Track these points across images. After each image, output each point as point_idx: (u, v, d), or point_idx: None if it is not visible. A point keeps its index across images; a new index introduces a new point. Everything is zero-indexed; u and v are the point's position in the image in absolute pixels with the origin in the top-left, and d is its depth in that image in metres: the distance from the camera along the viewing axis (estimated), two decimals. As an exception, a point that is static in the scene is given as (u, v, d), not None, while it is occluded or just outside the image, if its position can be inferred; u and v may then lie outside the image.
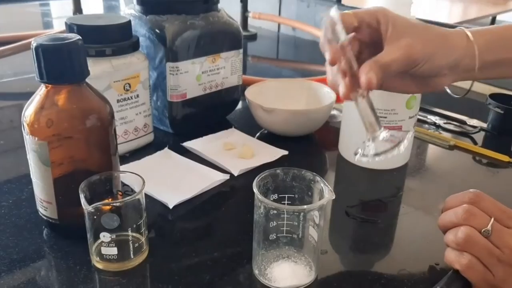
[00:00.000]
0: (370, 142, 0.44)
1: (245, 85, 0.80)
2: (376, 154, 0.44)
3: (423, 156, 0.74)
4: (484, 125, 0.80)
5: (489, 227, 0.41)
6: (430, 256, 0.48)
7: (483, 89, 0.98)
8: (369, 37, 0.47)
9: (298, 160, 0.67)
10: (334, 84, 0.46)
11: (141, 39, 0.66)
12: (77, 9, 1.29)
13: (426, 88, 0.49)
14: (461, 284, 0.42)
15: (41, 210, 0.49)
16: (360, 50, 0.48)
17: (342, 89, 0.44)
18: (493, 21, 2.19)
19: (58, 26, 1.45)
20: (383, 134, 0.44)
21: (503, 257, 0.40)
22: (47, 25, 1.56)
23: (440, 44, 0.46)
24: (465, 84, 1.02)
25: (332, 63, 0.44)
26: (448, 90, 0.60)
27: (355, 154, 0.45)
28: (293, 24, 1.41)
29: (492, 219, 0.41)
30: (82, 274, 0.45)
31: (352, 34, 0.47)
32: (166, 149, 0.68)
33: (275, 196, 0.45)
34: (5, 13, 1.60)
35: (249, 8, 1.40)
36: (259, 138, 0.73)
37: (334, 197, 0.42)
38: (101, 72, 0.59)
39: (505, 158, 0.69)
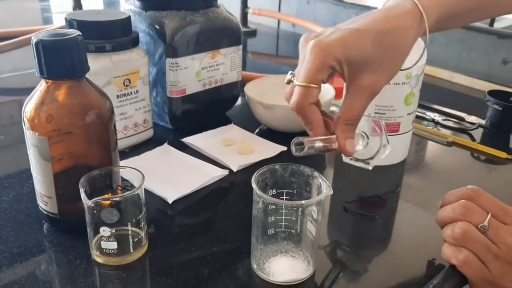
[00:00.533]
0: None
1: (244, 81, 0.80)
2: (368, 159, 0.47)
3: (422, 152, 0.74)
4: (483, 121, 0.80)
5: (486, 222, 0.41)
6: (428, 251, 0.49)
7: (482, 85, 0.99)
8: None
9: (297, 156, 0.67)
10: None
11: (140, 35, 0.66)
12: (77, 4, 1.29)
13: None
14: (457, 280, 0.42)
15: (41, 205, 0.49)
16: None
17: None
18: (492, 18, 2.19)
19: (58, 22, 1.45)
20: (360, 146, 0.47)
21: (499, 253, 0.40)
22: (47, 20, 1.56)
23: (399, 54, 0.44)
24: (445, 76, 1.02)
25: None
26: None
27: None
28: (293, 20, 1.41)
29: (489, 215, 0.41)
30: (82, 268, 0.45)
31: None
32: (165, 144, 0.68)
33: (274, 192, 0.46)
34: (5, 9, 1.60)
35: (249, 4, 1.40)
36: (258, 134, 0.74)
37: (332, 193, 0.42)
38: (101, 67, 0.60)
39: (503, 154, 0.70)
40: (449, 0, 0.46)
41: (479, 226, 0.41)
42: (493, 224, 0.41)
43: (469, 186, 0.44)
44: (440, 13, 0.46)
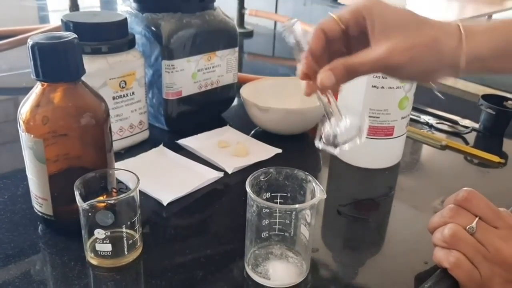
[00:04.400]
0: (331, 131, 0.45)
1: (240, 82, 0.80)
2: (340, 143, 0.45)
3: (416, 155, 0.74)
4: (476, 125, 0.81)
5: (473, 224, 0.42)
6: (420, 254, 0.49)
7: (476, 89, 0.99)
8: (358, 32, 0.43)
9: (292, 159, 0.68)
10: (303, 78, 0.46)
11: (137, 36, 0.67)
12: (73, 4, 1.29)
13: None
14: (448, 284, 0.43)
15: (36, 207, 0.49)
16: (348, 41, 0.45)
17: (303, 89, 0.46)
18: (488, 20, 2.20)
19: (55, 20, 1.45)
20: (343, 123, 0.45)
21: (488, 255, 0.41)
22: (43, 19, 1.55)
23: (428, 51, 0.41)
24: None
25: (303, 77, 0.45)
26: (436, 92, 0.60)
27: (319, 140, 0.46)
28: (289, 21, 1.41)
29: (477, 218, 0.42)
30: (76, 270, 0.45)
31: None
32: (161, 146, 0.68)
33: (268, 195, 0.46)
34: (1, 7, 1.60)
35: (245, 5, 1.40)
36: (254, 136, 0.74)
37: (325, 197, 0.42)
38: (97, 69, 0.60)
39: (495, 158, 0.70)
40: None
41: (467, 227, 0.42)
42: (481, 226, 0.42)
43: (464, 188, 0.45)
44: (479, 46, 0.41)
